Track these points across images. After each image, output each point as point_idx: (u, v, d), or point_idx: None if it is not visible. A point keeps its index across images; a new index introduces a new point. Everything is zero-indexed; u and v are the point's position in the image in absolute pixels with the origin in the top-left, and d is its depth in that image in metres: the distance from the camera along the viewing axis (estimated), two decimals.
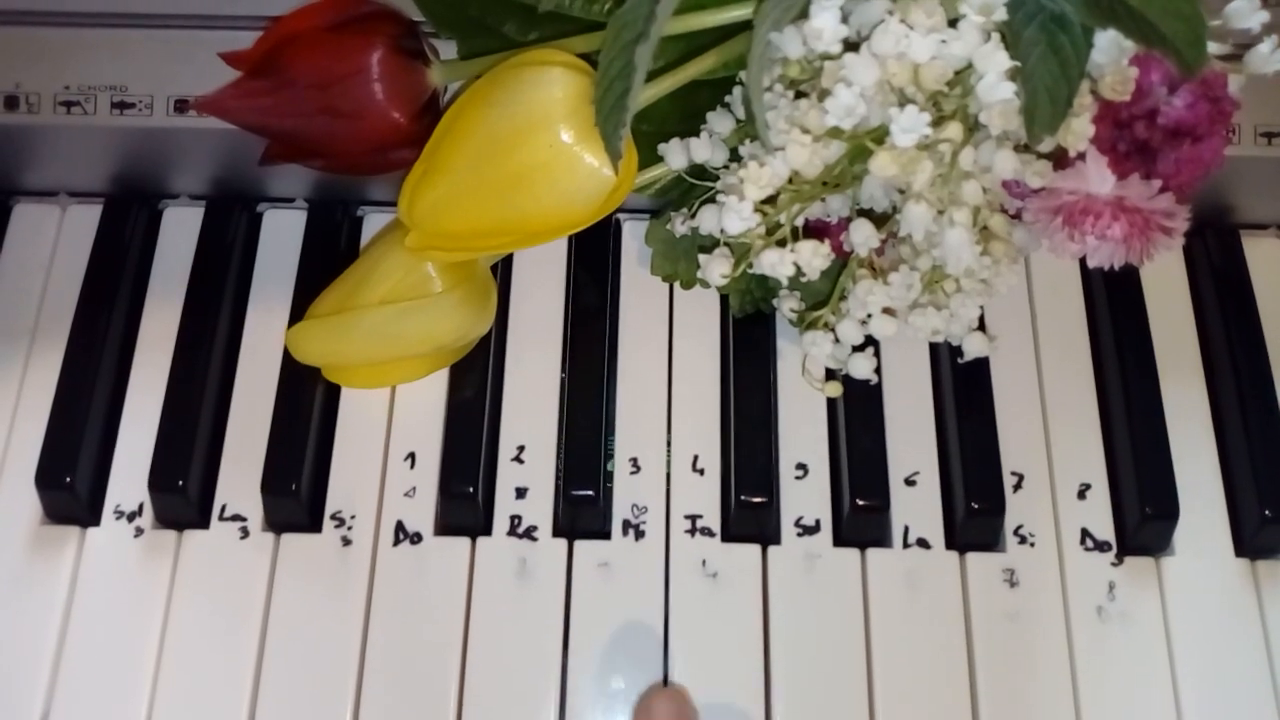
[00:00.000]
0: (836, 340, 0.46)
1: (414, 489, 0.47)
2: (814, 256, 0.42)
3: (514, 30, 0.46)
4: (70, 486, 0.46)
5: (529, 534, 0.47)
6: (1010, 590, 0.46)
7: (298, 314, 0.50)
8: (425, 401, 0.49)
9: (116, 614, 0.46)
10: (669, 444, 0.48)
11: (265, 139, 0.47)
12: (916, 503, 0.47)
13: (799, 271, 0.43)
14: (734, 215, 0.41)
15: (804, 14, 0.38)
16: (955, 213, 0.40)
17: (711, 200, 0.44)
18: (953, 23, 0.38)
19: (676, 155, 0.44)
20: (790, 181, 0.41)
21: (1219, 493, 0.48)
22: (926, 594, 0.46)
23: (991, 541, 0.47)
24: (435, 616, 0.45)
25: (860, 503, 0.46)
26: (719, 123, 0.45)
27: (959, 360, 0.47)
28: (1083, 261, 0.41)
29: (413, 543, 0.47)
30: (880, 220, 0.44)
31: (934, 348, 0.50)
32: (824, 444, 0.48)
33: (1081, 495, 0.48)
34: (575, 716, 0.44)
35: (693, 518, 0.47)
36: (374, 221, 0.53)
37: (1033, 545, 0.47)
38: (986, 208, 0.41)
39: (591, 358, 0.49)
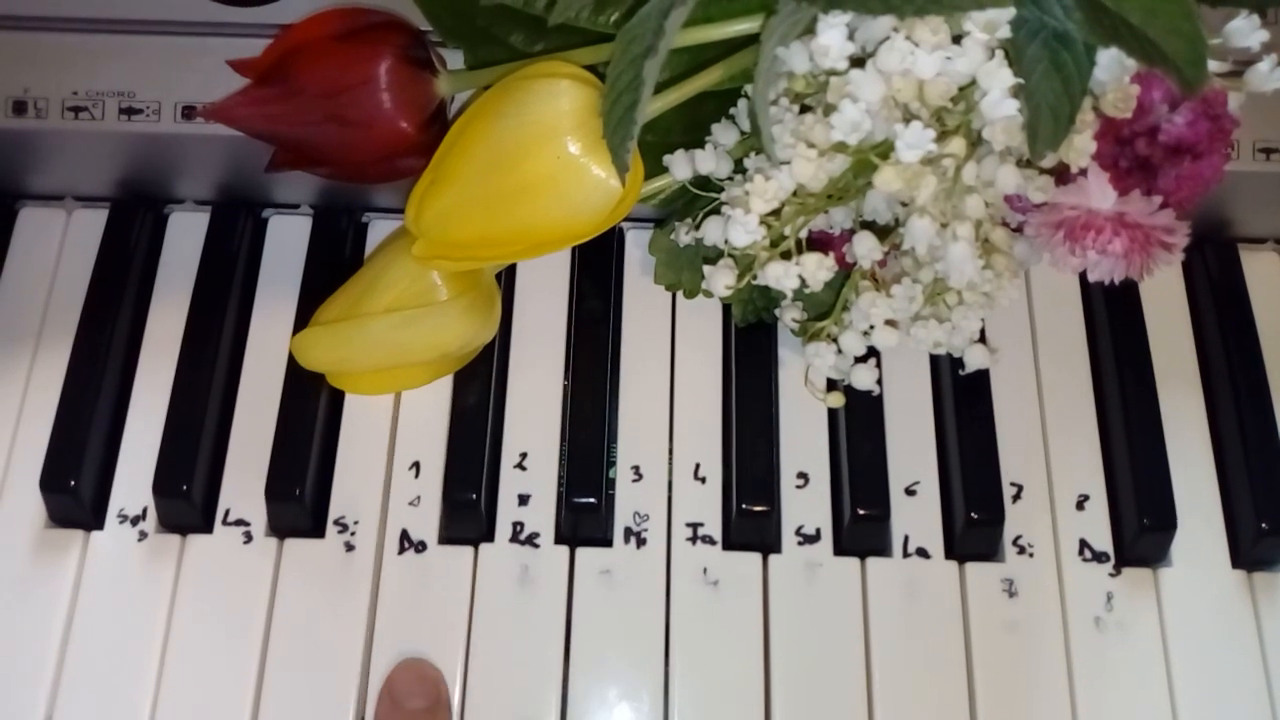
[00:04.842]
0: (839, 351, 0.46)
1: (417, 496, 0.48)
2: (818, 269, 0.42)
3: (521, 41, 0.46)
4: (74, 490, 0.47)
5: (531, 541, 0.47)
6: (1009, 600, 0.46)
7: (302, 320, 0.50)
8: (429, 408, 0.49)
9: (120, 618, 0.46)
10: (671, 452, 0.49)
11: (272, 146, 0.47)
12: (916, 512, 0.47)
13: (803, 283, 0.43)
14: (739, 227, 0.42)
15: (811, 30, 0.39)
16: (958, 226, 0.40)
17: (716, 211, 0.45)
18: (957, 40, 0.38)
19: (681, 166, 0.45)
20: (795, 194, 0.42)
21: (1216, 505, 0.48)
22: (926, 603, 0.46)
23: (990, 551, 0.47)
24: (437, 622, 0.46)
25: (861, 512, 0.46)
26: (724, 134, 0.45)
27: (960, 372, 0.48)
28: (1083, 275, 0.41)
29: (417, 551, 0.47)
30: (883, 233, 0.44)
31: (935, 359, 0.50)
32: (825, 453, 0.49)
33: (1080, 506, 0.48)
34: None
35: (694, 525, 0.47)
36: (379, 228, 0.54)
37: (1031, 555, 0.47)
38: (989, 222, 0.42)
39: (594, 366, 0.50)
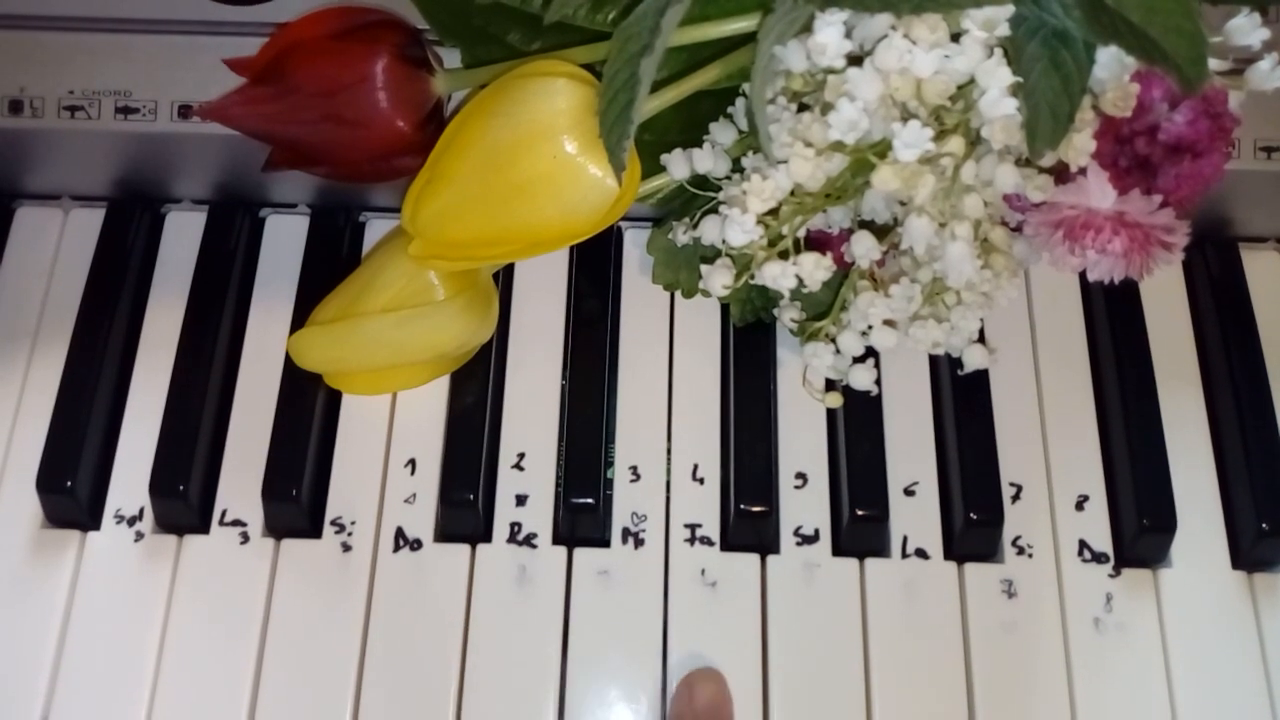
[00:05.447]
0: (837, 351, 0.46)
1: (414, 495, 0.48)
2: (816, 269, 0.42)
3: (518, 40, 0.46)
4: (71, 490, 0.47)
5: (529, 541, 0.47)
6: (1008, 601, 0.46)
7: (299, 319, 0.50)
8: (426, 408, 0.49)
9: (116, 618, 0.46)
10: (669, 452, 0.48)
11: (269, 145, 0.47)
12: (915, 513, 0.47)
13: (800, 283, 0.43)
14: (736, 227, 0.41)
15: (808, 28, 0.39)
16: (956, 226, 0.40)
17: (714, 211, 0.44)
18: (955, 38, 0.38)
19: (679, 165, 0.45)
20: (793, 194, 0.41)
21: (1216, 505, 0.48)
22: (924, 604, 0.46)
23: (989, 552, 0.47)
24: (435, 623, 0.45)
25: (859, 513, 0.46)
26: (721, 133, 0.45)
27: (959, 372, 0.48)
28: (1082, 275, 0.41)
29: (413, 549, 0.47)
30: (882, 232, 0.44)
31: (934, 359, 0.50)
32: (823, 454, 0.48)
33: (1079, 507, 0.48)
34: None
35: (692, 526, 0.47)
36: (376, 227, 0.53)
37: (1030, 556, 0.47)
38: (988, 221, 0.41)
39: (592, 366, 0.49)
